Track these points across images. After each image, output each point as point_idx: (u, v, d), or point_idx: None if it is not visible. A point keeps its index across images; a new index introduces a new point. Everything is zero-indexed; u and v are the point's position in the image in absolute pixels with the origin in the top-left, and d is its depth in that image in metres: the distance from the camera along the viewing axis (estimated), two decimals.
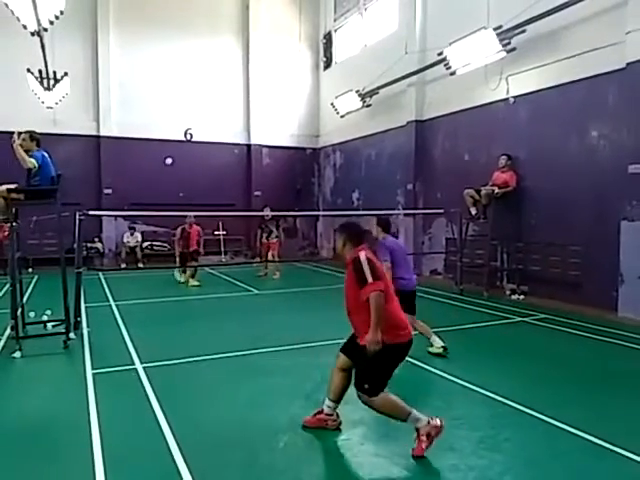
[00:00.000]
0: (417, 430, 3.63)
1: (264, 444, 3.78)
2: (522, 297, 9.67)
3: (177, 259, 11.94)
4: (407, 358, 5.92)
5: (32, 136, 6.40)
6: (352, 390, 4.99)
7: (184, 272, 11.82)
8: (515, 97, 10.17)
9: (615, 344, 6.58)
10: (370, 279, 3.58)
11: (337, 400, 4.00)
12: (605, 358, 6.15)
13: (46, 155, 6.41)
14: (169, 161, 15.98)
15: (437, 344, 6.04)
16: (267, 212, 13.06)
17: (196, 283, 11.50)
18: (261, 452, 3.67)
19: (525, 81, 9.89)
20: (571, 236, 9.06)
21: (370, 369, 3.66)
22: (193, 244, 11.68)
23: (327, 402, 4.02)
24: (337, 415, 4.03)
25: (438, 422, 3.63)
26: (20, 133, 6.32)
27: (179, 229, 11.79)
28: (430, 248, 12.87)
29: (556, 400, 4.63)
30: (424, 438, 3.59)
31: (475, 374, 5.28)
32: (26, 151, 6.21)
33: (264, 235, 13.18)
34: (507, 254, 10.48)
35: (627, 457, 3.54)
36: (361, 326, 3.68)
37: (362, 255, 3.70)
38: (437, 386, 5.17)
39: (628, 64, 7.95)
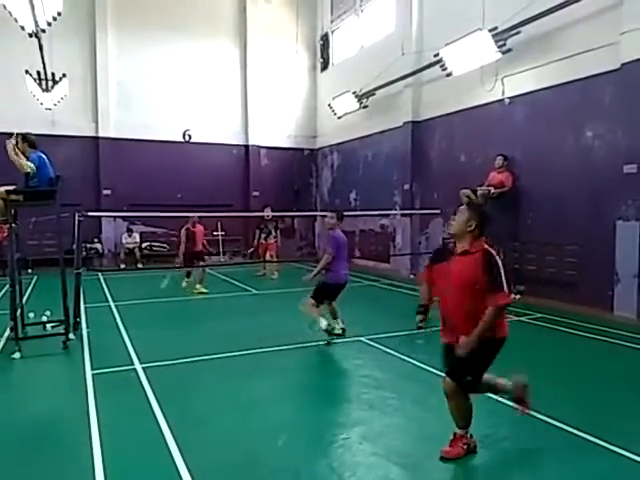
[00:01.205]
0: (457, 435, 3.59)
1: (263, 443, 3.82)
2: (518, 297, 9.70)
3: (181, 260, 11.32)
4: (403, 357, 6.03)
5: (25, 138, 6.38)
6: (351, 388, 5.06)
7: (187, 277, 11.27)
8: (511, 98, 10.22)
9: (611, 343, 6.64)
10: (506, 289, 3.37)
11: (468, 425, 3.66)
12: (601, 357, 6.20)
13: (43, 156, 6.42)
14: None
15: (322, 324, 6.45)
16: (268, 212, 13.08)
17: (204, 290, 10.75)
18: (260, 451, 3.71)
19: (521, 82, 9.95)
20: (567, 236, 9.12)
21: (475, 362, 3.50)
22: (198, 244, 11.36)
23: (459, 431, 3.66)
24: (471, 435, 3.66)
25: (473, 443, 3.59)
26: (13, 135, 6.29)
27: (183, 229, 11.29)
28: (427, 248, 12.90)
29: (551, 398, 4.67)
30: (464, 444, 3.55)
31: None
32: (22, 152, 6.23)
33: (262, 236, 13.19)
34: (503, 254, 10.48)
35: (622, 455, 3.59)
36: (464, 325, 3.49)
37: (494, 253, 3.45)
38: (434, 384, 5.17)
39: (623, 64, 8.01)
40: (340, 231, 6.72)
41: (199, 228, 11.38)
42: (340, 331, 6.63)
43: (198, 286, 10.79)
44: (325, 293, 6.57)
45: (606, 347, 6.53)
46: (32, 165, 6.17)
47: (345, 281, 6.64)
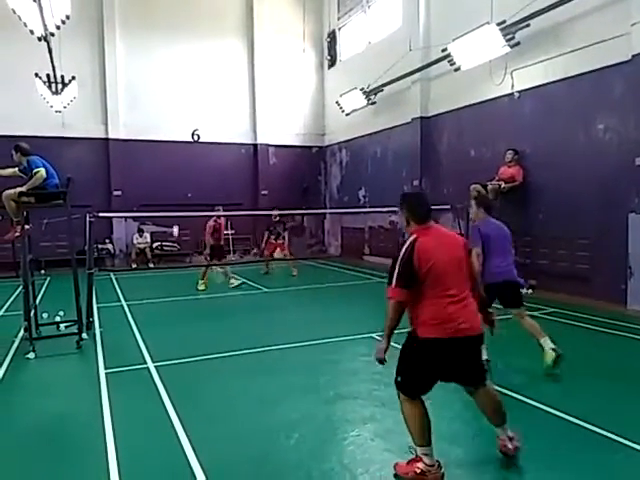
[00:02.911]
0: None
1: (275, 441, 3.83)
2: (530, 291, 9.64)
3: (207, 254, 11.28)
4: None
5: (16, 147, 6.42)
6: (362, 385, 5.05)
7: (203, 278, 11.15)
8: (520, 92, 10.14)
9: (624, 337, 6.58)
10: (394, 282, 3.23)
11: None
12: (614, 351, 6.14)
13: (42, 160, 6.45)
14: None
15: None
16: (276, 214, 13.07)
17: (204, 287, 10.91)
18: (272, 449, 3.73)
19: (530, 75, 9.86)
20: (579, 229, 9.04)
21: (400, 361, 3.35)
22: (222, 238, 11.40)
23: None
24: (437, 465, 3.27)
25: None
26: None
27: (211, 222, 11.22)
28: None
29: (564, 393, 4.65)
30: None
31: None
32: (18, 164, 6.29)
33: (272, 237, 13.19)
34: (515, 248, 10.41)
35: (637, 450, 3.56)
36: (410, 316, 3.36)
37: (405, 246, 3.27)
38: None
39: (634, 56, 7.91)
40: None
41: (223, 222, 11.48)
42: None
43: (233, 280, 11.13)
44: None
45: (620, 341, 6.47)
46: (42, 171, 6.18)
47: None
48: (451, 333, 3.16)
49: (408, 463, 3.31)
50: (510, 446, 3.42)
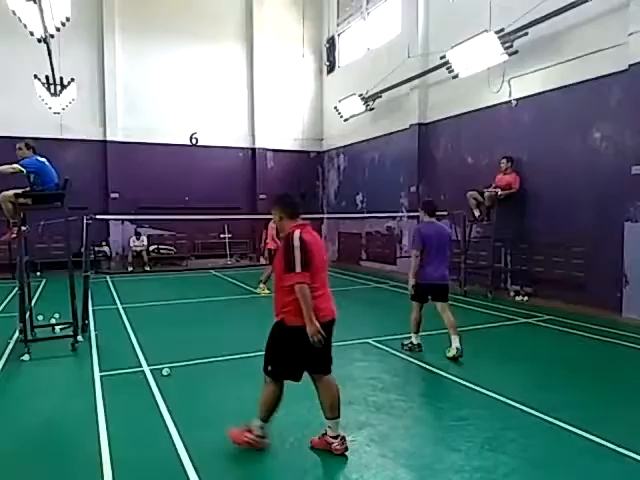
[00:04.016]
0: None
1: (270, 445, 3.81)
2: (526, 298, 9.68)
3: (267, 257, 11.31)
4: (410, 359, 6.03)
5: (27, 144, 6.45)
6: (358, 390, 5.05)
7: (265, 282, 10.93)
8: (518, 99, 10.20)
9: (619, 345, 6.59)
10: (298, 268, 3.43)
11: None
12: (609, 359, 6.16)
13: (42, 160, 6.43)
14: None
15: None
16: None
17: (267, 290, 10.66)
18: (267, 453, 3.72)
19: (528, 83, 9.93)
20: (575, 237, 9.07)
21: (271, 348, 3.68)
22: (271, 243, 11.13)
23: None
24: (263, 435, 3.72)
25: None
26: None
27: (271, 223, 10.83)
28: None
29: (560, 401, 4.65)
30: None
31: (479, 375, 5.31)
32: (22, 159, 6.30)
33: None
34: (511, 255, 10.50)
35: (632, 458, 3.56)
36: (278, 305, 3.69)
37: (296, 238, 3.49)
38: (442, 387, 5.20)
39: (631, 65, 7.98)
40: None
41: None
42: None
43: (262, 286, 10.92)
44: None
45: (614, 349, 6.49)
46: (19, 166, 6.17)
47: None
48: (320, 318, 3.51)
49: (242, 432, 3.69)
50: (338, 447, 3.64)
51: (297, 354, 3.58)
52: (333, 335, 3.78)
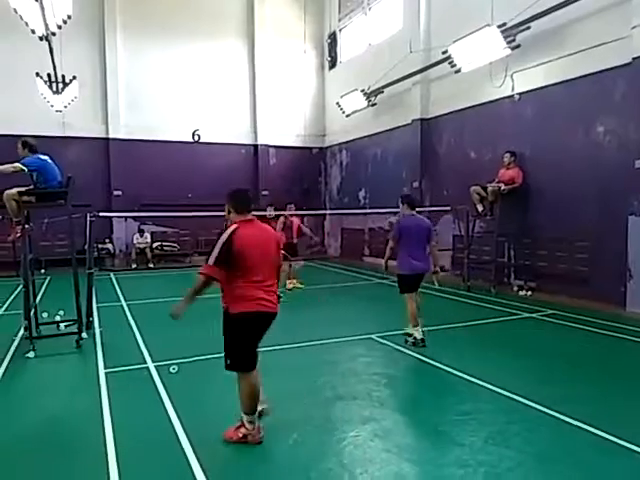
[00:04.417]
0: (241, 423, 3.78)
1: (274, 441, 3.83)
2: (530, 293, 9.67)
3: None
4: (414, 354, 6.03)
5: (24, 143, 6.43)
6: (362, 385, 5.06)
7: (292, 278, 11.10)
8: (520, 94, 10.15)
9: (623, 339, 6.58)
10: (211, 261, 3.63)
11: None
12: (614, 354, 6.15)
13: (44, 158, 6.42)
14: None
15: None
16: (270, 212, 12.65)
17: (299, 285, 10.97)
18: (272, 449, 3.74)
19: (530, 78, 9.88)
20: (578, 231, 9.05)
21: (229, 344, 3.79)
22: (295, 235, 11.22)
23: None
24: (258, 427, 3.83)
25: (259, 436, 3.76)
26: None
27: (281, 218, 11.18)
28: (437, 245, 12.88)
29: (565, 396, 4.65)
30: (241, 433, 3.74)
31: (484, 370, 5.31)
32: (23, 157, 6.30)
33: None
34: (514, 250, 10.48)
35: (637, 452, 3.56)
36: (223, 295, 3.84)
37: (226, 233, 3.72)
38: (445, 382, 5.20)
39: (634, 59, 7.93)
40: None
41: (295, 220, 11.37)
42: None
43: (294, 281, 10.98)
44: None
45: (619, 343, 6.48)
46: (19, 164, 6.16)
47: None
48: (255, 308, 3.69)
49: (235, 429, 3.80)
50: (257, 437, 3.76)
51: (244, 338, 3.75)
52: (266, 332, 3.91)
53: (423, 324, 6.34)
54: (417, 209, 6.88)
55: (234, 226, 3.79)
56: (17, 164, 6.18)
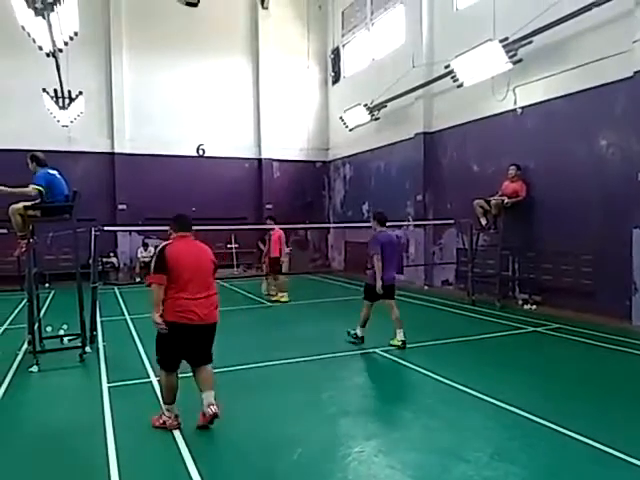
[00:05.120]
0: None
1: (278, 456, 3.81)
2: (534, 307, 9.62)
3: (265, 267, 11.99)
4: (418, 368, 6.00)
5: (32, 157, 6.50)
6: (365, 400, 5.03)
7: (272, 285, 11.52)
8: (523, 108, 10.20)
9: (629, 353, 6.52)
10: (151, 271, 4.26)
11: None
12: (619, 367, 6.09)
13: (53, 172, 6.47)
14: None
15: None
16: (271, 224, 12.20)
17: (284, 299, 11.12)
18: (275, 464, 3.70)
19: (533, 91, 9.93)
20: (583, 245, 9.02)
21: (157, 343, 4.34)
22: (274, 250, 11.32)
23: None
24: (176, 416, 4.36)
25: (175, 423, 4.28)
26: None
27: (277, 231, 11.55)
28: (441, 259, 12.87)
29: (570, 411, 4.61)
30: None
31: (488, 385, 5.27)
32: (34, 172, 6.35)
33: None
34: (518, 264, 10.45)
35: None
36: None
37: (160, 246, 4.38)
38: (449, 396, 5.16)
39: (636, 72, 7.97)
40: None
41: (276, 233, 11.49)
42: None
43: (279, 293, 11.26)
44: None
45: (624, 358, 6.42)
46: (36, 186, 6.19)
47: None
48: (184, 320, 4.18)
49: (158, 417, 4.38)
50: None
51: (170, 345, 4.26)
52: (209, 338, 4.44)
53: (404, 330, 6.94)
54: (421, 222, 7.32)
55: (165, 243, 4.41)
56: (33, 186, 6.19)
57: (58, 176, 6.52)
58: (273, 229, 11.61)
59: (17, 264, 12.42)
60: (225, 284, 14.20)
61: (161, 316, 4.20)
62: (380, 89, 13.86)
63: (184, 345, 4.26)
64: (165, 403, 4.37)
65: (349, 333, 7.23)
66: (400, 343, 6.84)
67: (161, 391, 4.42)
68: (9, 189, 6.21)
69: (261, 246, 13.28)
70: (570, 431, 4.09)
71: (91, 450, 3.96)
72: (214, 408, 4.22)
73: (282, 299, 11.14)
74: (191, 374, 4.44)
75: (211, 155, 16.63)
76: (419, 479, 3.47)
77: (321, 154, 18.45)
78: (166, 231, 4.93)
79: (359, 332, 7.15)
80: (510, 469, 3.54)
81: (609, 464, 3.62)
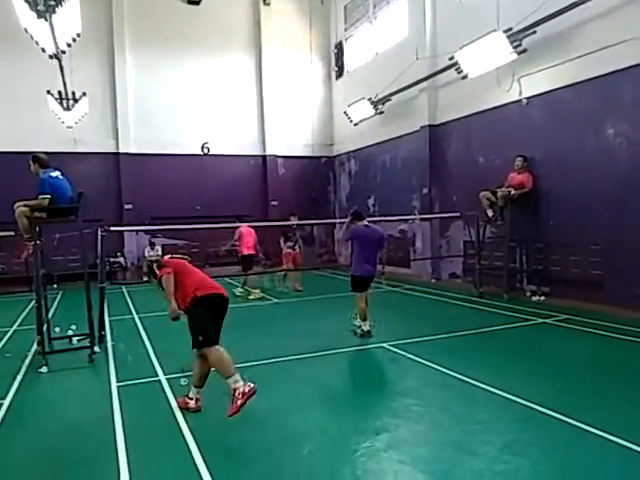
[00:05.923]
0: (234, 390, 4.29)
1: (287, 452, 3.81)
2: (543, 298, 9.56)
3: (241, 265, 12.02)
4: (426, 362, 5.98)
5: (34, 158, 6.44)
6: (374, 395, 5.02)
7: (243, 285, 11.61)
8: (528, 98, 10.10)
9: None
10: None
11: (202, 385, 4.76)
12: (631, 359, 6.03)
13: (55, 174, 6.43)
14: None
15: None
16: (295, 221, 12.48)
17: (256, 296, 11.21)
18: (285, 460, 3.71)
19: (538, 82, 9.83)
20: (591, 235, 8.94)
21: (194, 325, 4.61)
22: (247, 247, 11.44)
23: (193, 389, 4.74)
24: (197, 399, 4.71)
25: (252, 385, 4.36)
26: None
27: (238, 230, 11.66)
28: (448, 251, 12.81)
29: (581, 402, 4.58)
30: (240, 396, 4.24)
31: (497, 377, 5.24)
32: (36, 174, 6.34)
33: (289, 244, 12.39)
34: (526, 255, 10.38)
35: None
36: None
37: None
38: (459, 390, 5.13)
39: None
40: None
41: (247, 230, 11.58)
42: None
43: (252, 291, 11.34)
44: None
45: (636, 348, 6.36)
46: (45, 195, 6.16)
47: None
48: (210, 290, 4.70)
49: (182, 398, 4.75)
50: (246, 390, 4.32)
51: (209, 316, 4.65)
52: (225, 313, 4.84)
53: (371, 318, 7.33)
54: (428, 215, 7.44)
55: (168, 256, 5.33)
56: (42, 197, 6.16)
57: (61, 177, 6.49)
58: (238, 227, 11.68)
59: (25, 265, 12.50)
60: (232, 281, 14.21)
61: (191, 301, 4.60)
62: (384, 82, 13.78)
63: (216, 314, 4.67)
64: (195, 386, 4.69)
65: (355, 332, 7.35)
66: (361, 333, 7.25)
67: (217, 370, 4.52)
68: (26, 207, 6.20)
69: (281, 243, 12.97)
70: (582, 423, 4.06)
71: (101, 451, 3.97)
72: (250, 384, 4.36)
73: (255, 297, 11.23)
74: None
75: (216, 153, 16.62)
76: (430, 473, 3.46)
77: (326, 149, 18.40)
78: (172, 230, 5.15)
79: (364, 327, 7.25)
80: (521, 462, 3.52)
81: (622, 456, 3.58)
